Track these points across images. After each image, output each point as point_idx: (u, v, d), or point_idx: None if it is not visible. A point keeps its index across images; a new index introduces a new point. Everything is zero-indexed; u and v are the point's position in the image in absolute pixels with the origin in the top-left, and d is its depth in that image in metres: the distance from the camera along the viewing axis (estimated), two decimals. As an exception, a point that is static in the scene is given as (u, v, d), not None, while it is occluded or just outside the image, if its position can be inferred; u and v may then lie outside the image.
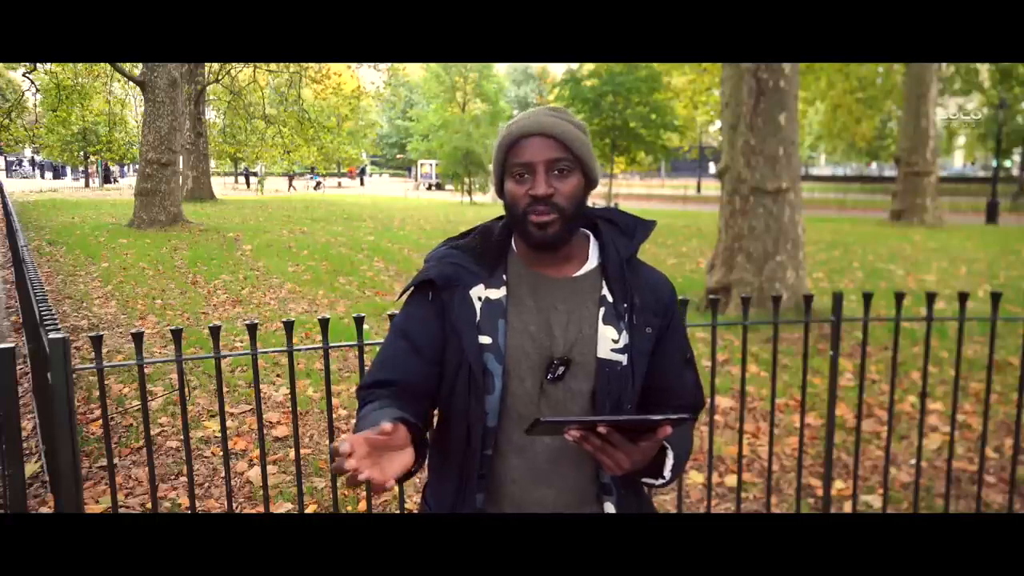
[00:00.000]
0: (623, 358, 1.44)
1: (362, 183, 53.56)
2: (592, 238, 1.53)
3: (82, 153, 35.29)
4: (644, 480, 1.41)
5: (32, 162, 52.37)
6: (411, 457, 1.20)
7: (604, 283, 1.48)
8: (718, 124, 26.60)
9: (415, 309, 1.50)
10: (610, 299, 1.47)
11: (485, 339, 1.43)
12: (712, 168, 54.91)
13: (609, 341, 1.44)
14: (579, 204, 1.42)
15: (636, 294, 1.47)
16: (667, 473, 1.38)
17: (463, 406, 1.43)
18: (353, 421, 4.81)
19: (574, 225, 1.44)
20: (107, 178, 41.29)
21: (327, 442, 4.26)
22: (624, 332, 1.45)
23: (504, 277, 1.48)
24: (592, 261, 1.50)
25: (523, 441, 1.43)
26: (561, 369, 1.42)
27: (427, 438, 1.43)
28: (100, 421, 4.24)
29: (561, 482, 1.44)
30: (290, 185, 43.51)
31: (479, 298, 1.46)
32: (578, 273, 1.49)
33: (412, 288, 1.51)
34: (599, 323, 1.45)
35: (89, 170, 40.32)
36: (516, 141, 1.41)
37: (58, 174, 49.08)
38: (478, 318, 1.44)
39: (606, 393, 1.42)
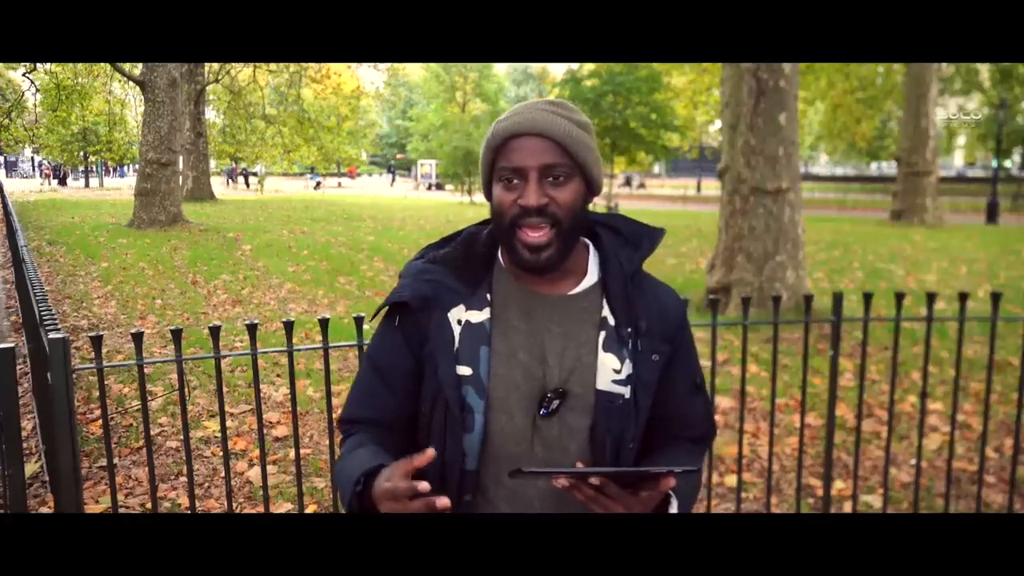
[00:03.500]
0: (625, 390, 1.27)
1: (392, 183, 51.84)
2: (592, 248, 1.34)
3: (82, 153, 35.30)
4: None
5: (32, 162, 52.45)
6: None
7: (605, 302, 1.30)
8: (718, 124, 26.62)
9: (384, 335, 1.34)
10: (612, 322, 1.29)
11: (464, 370, 1.25)
12: (657, 168, 54.87)
13: (610, 371, 1.27)
14: (578, 215, 1.24)
15: (642, 316, 1.29)
16: None
17: (439, 445, 1.25)
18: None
19: (571, 240, 1.25)
20: (62, 179, 40.26)
21: (327, 442, 4.26)
22: (627, 360, 1.28)
23: (488, 296, 1.29)
24: (592, 276, 1.32)
25: (513, 485, 1.26)
26: (556, 402, 1.25)
27: None
28: (100, 421, 4.24)
29: None
30: (231, 180, 43.99)
31: (458, 321, 1.27)
32: (576, 290, 1.30)
33: (384, 309, 1.34)
34: (599, 349, 1.27)
35: (45, 171, 40.23)
36: (506, 141, 1.23)
37: (57, 174, 49.08)
38: (456, 345, 1.26)
39: (606, 429, 1.26)
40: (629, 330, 1.29)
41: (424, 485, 1.03)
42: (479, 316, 1.28)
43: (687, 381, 1.37)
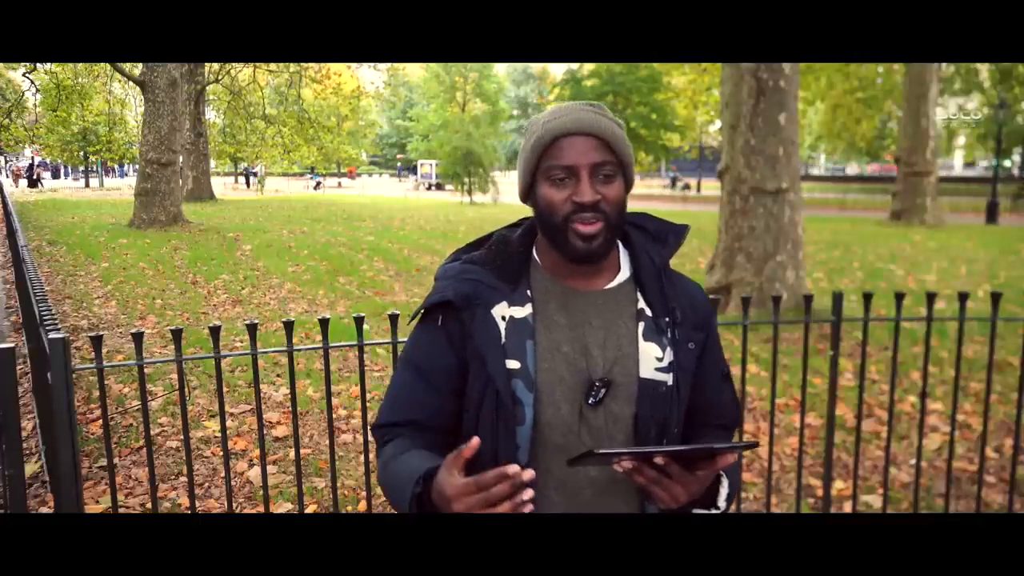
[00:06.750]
0: (668, 377, 1.32)
1: (416, 185, 51.12)
2: (620, 246, 1.40)
3: (82, 153, 35.29)
4: (696, 512, 1.27)
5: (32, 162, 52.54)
6: None
7: (640, 295, 1.36)
8: (718, 124, 26.63)
9: (424, 336, 1.36)
10: (649, 313, 1.34)
11: (512, 364, 1.28)
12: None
13: (652, 359, 1.32)
14: (623, 211, 1.31)
15: (676, 307, 1.36)
16: (721, 503, 1.27)
17: (490, 440, 1.28)
18: (353, 421, 4.81)
19: (617, 233, 1.31)
20: (32, 182, 38.77)
21: (327, 442, 4.26)
22: (668, 348, 1.33)
23: (529, 292, 1.33)
24: (624, 271, 1.38)
25: (563, 475, 1.29)
26: (602, 391, 1.29)
27: None
28: (100, 421, 4.24)
29: None
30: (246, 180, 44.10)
31: (503, 317, 1.30)
32: (611, 285, 1.36)
33: (423, 310, 1.37)
34: (639, 339, 1.33)
35: (15, 170, 39.84)
36: (554, 140, 1.27)
37: (57, 174, 49.00)
38: (503, 340, 1.29)
39: (650, 416, 1.30)
40: (666, 320, 1.35)
41: (514, 468, 1.05)
42: (522, 312, 1.32)
43: (717, 370, 1.44)
